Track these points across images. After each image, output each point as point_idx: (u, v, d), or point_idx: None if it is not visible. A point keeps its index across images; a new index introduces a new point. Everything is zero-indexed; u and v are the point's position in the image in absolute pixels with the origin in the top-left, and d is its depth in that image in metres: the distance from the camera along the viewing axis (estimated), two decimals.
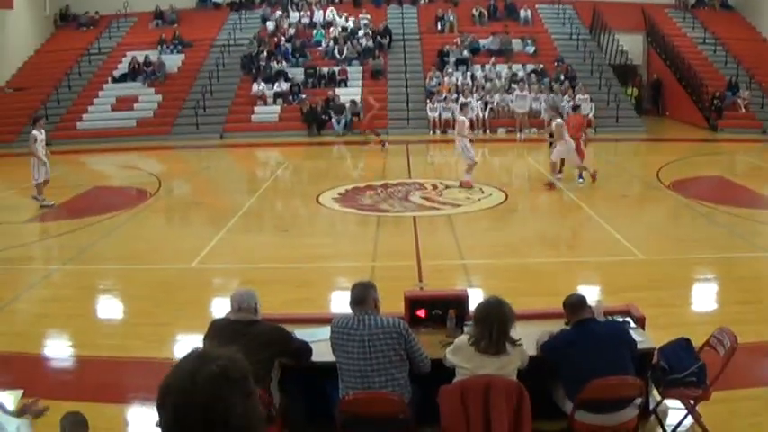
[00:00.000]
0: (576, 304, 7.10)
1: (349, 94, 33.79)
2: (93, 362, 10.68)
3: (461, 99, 30.39)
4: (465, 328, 7.28)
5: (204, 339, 7.15)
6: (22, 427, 5.25)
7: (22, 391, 7.55)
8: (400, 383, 6.77)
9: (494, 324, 6.55)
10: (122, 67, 37.83)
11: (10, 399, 6.81)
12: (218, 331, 7.09)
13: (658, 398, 7.67)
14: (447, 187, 20.87)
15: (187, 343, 10.84)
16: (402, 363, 6.78)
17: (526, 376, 6.67)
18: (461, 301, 8.08)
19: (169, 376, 2.48)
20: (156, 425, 2.45)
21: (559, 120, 20.90)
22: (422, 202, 19.29)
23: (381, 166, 23.89)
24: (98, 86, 36.91)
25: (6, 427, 5.18)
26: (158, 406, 2.46)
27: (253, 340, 6.73)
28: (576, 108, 25.19)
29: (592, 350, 6.74)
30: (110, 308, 13.40)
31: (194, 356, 2.53)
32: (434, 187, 20.93)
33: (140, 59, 37.43)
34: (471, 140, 21.47)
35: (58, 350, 11.37)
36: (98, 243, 16.76)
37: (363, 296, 6.90)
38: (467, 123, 21.50)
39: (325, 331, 7.35)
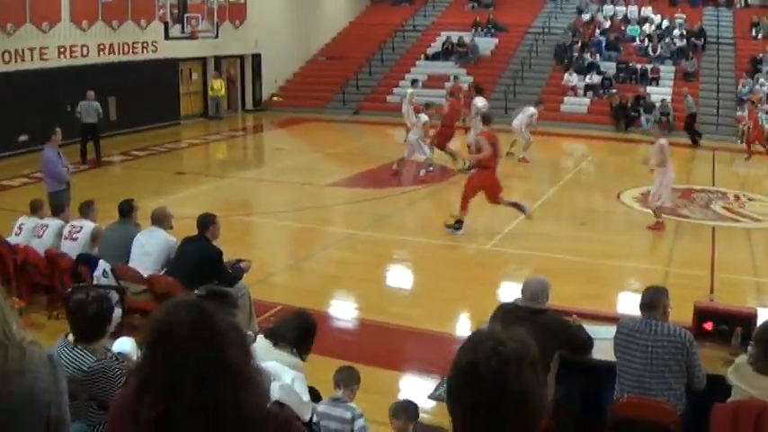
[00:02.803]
0: None
1: (659, 93, 32.66)
2: (375, 327, 11.00)
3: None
4: (749, 348, 6.95)
5: (490, 320, 7.27)
6: (296, 380, 5.37)
7: None
8: (676, 394, 6.69)
9: None
10: (435, 46, 38.41)
11: None
12: (505, 315, 7.21)
13: None
14: (750, 200, 19.94)
15: (470, 321, 10.82)
16: (681, 374, 6.69)
17: None
18: (750, 319, 7.83)
19: (467, 352, 2.53)
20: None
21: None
22: (723, 212, 18.54)
23: (687, 170, 22.90)
24: (410, 62, 37.68)
25: (282, 377, 5.21)
26: (451, 377, 2.55)
27: (538, 329, 6.65)
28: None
29: None
30: (400, 277, 13.85)
31: (488, 334, 2.59)
32: (737, 198, 20.04)
33: (454, 40, 37.81)
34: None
35: (344, 311, 11.79)
36: (397, 214, 17.19)
37: (654, 301, 6.85)
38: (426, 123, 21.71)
39: (605, 330, 7.42)
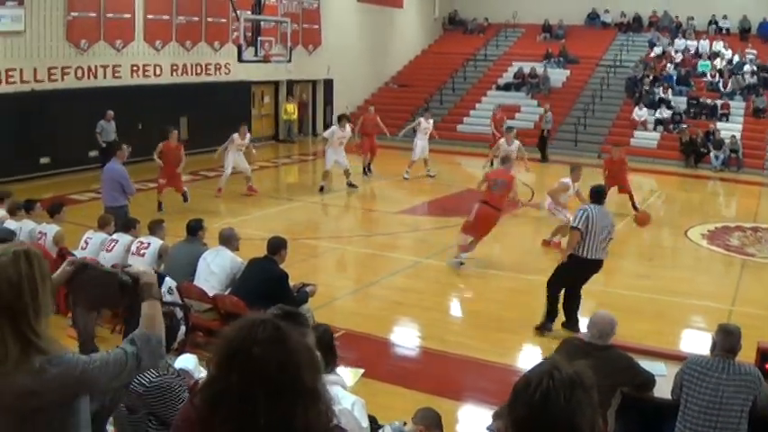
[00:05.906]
0: None
1: (729, 129, 32.16)
2: (435, 355, 10.95)
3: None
4: None
5: (554, 354, 7.12)
6: (357, 405, 5.33)
7: (362, 370, 7.65)
8: None
9: None
10: (507, 76, 38.44)
11: (349, 375, 6.88)
12: (570, 349, 7.18)
13: None
14: None
15: (531, 354, 10.76)
16: (746, 415, 6.59)
17: None
18: None
19: (525, 373, 2.68)
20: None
21: None
22: None
23: (755, 207, 22.62)
24: (482, 92, 37.72)
25: (342, 402, 5.21)
26: (509, 404, 2.66)
27: (603, 365, 6.68)
28: None
29: None
30: (463, 307, 13.84)
31: (549, 360, 2.72)
32: None
33: (526, 71, 37.85)
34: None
35: (405, 338, 11.77)
36: None
37: (737, 346, 6.80)
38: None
39: (664, 368, 7.56)
